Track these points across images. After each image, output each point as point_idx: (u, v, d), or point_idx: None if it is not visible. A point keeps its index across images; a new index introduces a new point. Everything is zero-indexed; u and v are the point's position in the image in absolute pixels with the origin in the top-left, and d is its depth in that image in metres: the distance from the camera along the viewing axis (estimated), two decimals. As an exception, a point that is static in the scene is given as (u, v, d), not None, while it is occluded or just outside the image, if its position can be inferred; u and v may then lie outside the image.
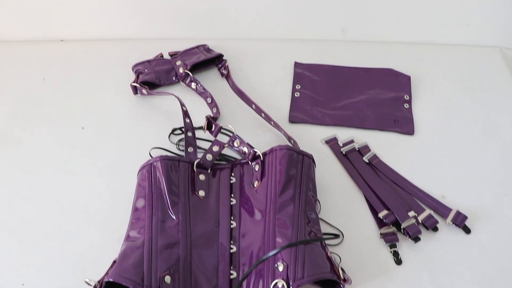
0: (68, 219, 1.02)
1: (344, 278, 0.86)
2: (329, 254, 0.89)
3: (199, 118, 1.15)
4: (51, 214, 1.02)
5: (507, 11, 1.30)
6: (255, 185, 0.97)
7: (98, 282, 0.85)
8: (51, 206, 1.04)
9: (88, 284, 0.85)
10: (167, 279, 0.85)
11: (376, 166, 1.08)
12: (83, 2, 1.30)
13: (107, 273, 0.86)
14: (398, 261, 0.94)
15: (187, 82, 1.23)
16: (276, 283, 0.84)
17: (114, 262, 0.88)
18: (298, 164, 0.96)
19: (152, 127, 1.16)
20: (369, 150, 1.11)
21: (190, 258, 0.90)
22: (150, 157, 1.09)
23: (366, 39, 1.37)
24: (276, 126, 1.12)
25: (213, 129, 1.09)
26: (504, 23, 1.33)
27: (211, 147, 1.03)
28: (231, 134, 1.07)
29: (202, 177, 0.99)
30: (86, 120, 1.18)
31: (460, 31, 1.35)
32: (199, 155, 1.09)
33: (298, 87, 1.23)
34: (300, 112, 1.18)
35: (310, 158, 0.99)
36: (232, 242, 0.93)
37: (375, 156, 1.10)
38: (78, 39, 1.38)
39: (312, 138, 1.14)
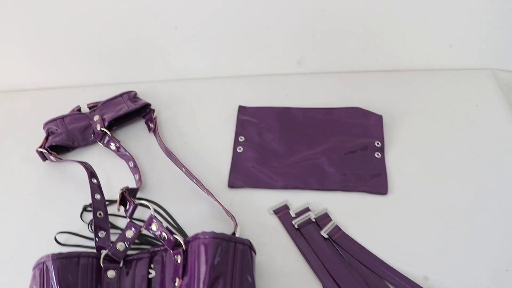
0: None
1: None
2: None
3: (121, 186, 0.93)
4: None
5: (498, 25, 1.06)
6: (176, 285, 0.74)
7: None
8: None
9: None
10: None
11: (338, 242, 0.84)
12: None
13: None
14: None
15: (105, 142, 1.00)
16: None
17: None
18: (228, 256, 0.74)
19: (63, 203, 0.94)
20: (330, 220, 0.87)
21: None
22: (56, 243, 0.88)
23: (327, 70, 1.13)
24: (210, 195, 0.89)
25: (128, 206, 0.86)
26: (495, 39, 1.08)
27: (123, 232, 0.81)
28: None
29: (111, 274, 0.78)
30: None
31: (442, 53, 1.11)
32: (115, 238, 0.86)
33: (241, 139, 1.00)
34: (243, 173, 0.95)
35: (246, 245, 0.76)
36: None
37: (336, 229, 0.86)
38: (-16, 91, 1.17)
39: (257, 207, 0.90)
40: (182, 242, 0.76)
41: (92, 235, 0.89)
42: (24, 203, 0.95)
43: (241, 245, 0.75)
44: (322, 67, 1.12)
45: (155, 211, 0.86)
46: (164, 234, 0.80)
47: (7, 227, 0.92)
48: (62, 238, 0.89)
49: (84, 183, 0.96)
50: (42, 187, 0.97)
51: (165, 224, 0.85)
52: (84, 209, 0.92)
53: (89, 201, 0.93)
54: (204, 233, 0.75)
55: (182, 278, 0.74)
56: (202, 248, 0.74)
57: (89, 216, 0.92)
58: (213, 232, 0.75)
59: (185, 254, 0.76)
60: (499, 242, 0.84)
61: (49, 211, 0.93)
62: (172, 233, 0.78)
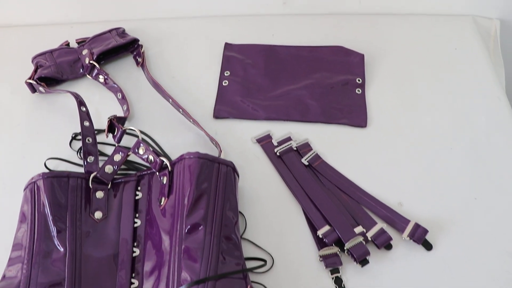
0: None
1: None
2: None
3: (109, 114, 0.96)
4: None
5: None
6: (161, 203, 0.78)
7: None
8: None
9: None
10: None
11: (318, 170, 0.88)
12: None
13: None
14: (341, 290, 0.77)
15: (93, 75, 1.03)
16: (180, 331, 0.66)
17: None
18: (211, 176, 0.77)
19: (52, 132, 0.97)
20: (310, 149, 0.91)
21: (79, 300, 0.72)
22: (45, 169, 0.90)
23: (312, 12, 1.15)
24: (196, 124, 0.92)
25: (116, 133, 0.89)
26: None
27: (112, 156, 0.84)
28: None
29: (99, 194, 0.81)
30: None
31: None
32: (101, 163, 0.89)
33: (227, 73, 1.03)
34: (227, 105, 0.98)
35: (229, 166, 0.79)
36: (133, 275, 0.76)
37: (317, 157, 0.90)
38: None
39: (241, 136, 0.94)
40: (168, 163, 0.80)
41: (81, 162, 0.91)
42: (13, 133, 0.97)
43: (225, 166, 0.79)
44: (307, 8, 1.13)
45: (142, 138, 0.89)
46: (151, 156, 0.83)
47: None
48: (51, 165, 0.91)
49: (73, 114, 0.98)
50: (31, 118, 0.99)
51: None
52: (74, 137, 0.95)
53: (78, 131, 0.95)
54: (189, 153, 0.78)
55: (168, 197, 0.78)
56: (187, 168, 0.77)
57: (78, 144, 0.94)
58: (198, 152, 0.78)
59: (170, 175, 0.79)
60: (470, 173, 0.88)
61: (39, 140, 0.95)
62: (158, 155, 0.82)
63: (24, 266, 0.73)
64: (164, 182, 0.79)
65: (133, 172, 0.87)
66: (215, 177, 0.77)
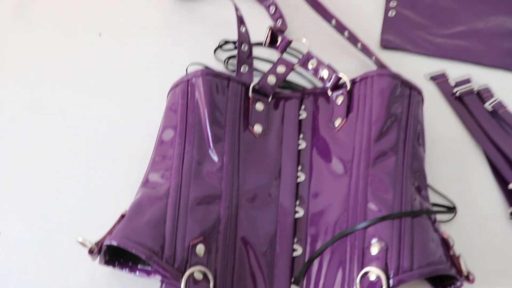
0: (68, 152, 0.74)
1: (468, 276, 0.57)
2: (444, 235, 0.59)
3: (256, 33, 0.83)
4: (46, 141, 0.76)
5: None
6: (336, 125, 0.67)
7: (96, 244, 0.57)
8: (48, 131, 0.77)
9: (83, 245, 0.57)
10: (199, 249, 0.57)
11: (504, 118, 0.77)
12: None
13: (110, 232, 0.59)
14: (534, 256, 0.65)
15: (244, -17, 0.92)
16: (366, 272, 0.55)
17: (123, 216, 0.60)
18: (404, 100, 0.66)
19: (193, 39, 0.86)
20: (492, 96, 0.79)
21: (235, 221, 0.62)
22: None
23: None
24: (365, 49, 0.80)
25: (278, 43, 0.78)
26: None
27: (275, 66, 0.73)
28: (300, 56, 0.77)
29: (259, 106, 0.70)
30: (105, 24, 0.89)
31: None
32: (256, 79, 0.78)
33: (393, 4, 0.91)
34: (396, 35, 0.86)
35: (420, 94, 0.68)
36: (298, 203, 0.64)
37: (500, 104, 0.78)
38: None
39: (411, 71, 0.82)
40: (347, 81, 0.69)
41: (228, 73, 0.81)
42: (149, 37, 0.87)
43: (416, 93, 0.68)
44: None
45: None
46: (324, 71, 0.71)
47: (130, 57, 0.85)
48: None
49: (218, 23, 0.88)
50: (169, 23, 0.89)
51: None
52: (220, 45, 0.84)
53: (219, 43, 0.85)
54: (379, 71, 0.67)
55: (347, 117, 0.67)
56: (377, 86, 0.66)
57: (224, 54, 0.83)
58: (390, 70, 0.67)
59: (349, 94, 0.68)
60: None
61: (177, 46, 0.86)
62: (334, 71, 0.70)
63: (173, 173, 0.62)
64: (340, 103, 0.68)
65: (291, 91, 0.76)
66: (406, 102, 0.66)
